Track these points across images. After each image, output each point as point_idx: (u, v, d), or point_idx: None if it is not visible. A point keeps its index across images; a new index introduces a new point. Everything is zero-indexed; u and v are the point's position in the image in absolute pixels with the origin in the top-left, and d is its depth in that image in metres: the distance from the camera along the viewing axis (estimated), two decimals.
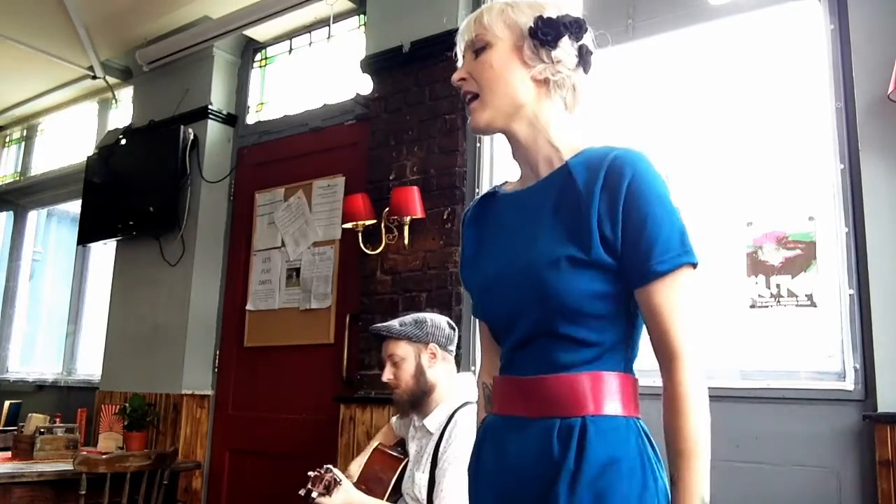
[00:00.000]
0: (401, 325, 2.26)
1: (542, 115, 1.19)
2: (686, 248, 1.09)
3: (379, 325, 2.32)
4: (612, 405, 1.10)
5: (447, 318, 2.36)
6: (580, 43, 1.20)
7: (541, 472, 1.09)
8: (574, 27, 1.18)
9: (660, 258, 1.07)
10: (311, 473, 2.07)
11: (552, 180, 1.17)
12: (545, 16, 1.17)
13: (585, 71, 1.22)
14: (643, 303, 1.10)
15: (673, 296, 1.08)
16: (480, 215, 1.31)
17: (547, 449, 1.09)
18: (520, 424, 1.13)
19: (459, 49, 1.26)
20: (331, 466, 2.10)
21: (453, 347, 2.31)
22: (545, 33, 1.16)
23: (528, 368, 1.14)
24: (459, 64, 1.26)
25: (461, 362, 2.99)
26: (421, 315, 2.31)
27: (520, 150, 1.23)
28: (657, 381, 1.10)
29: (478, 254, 1.28)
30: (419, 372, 2.21)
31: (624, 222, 1.08)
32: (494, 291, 1.20)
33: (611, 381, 1.11)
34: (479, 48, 1.20)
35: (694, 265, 1.10)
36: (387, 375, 2.25)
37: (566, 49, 1.18)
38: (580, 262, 1.09)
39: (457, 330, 2.36)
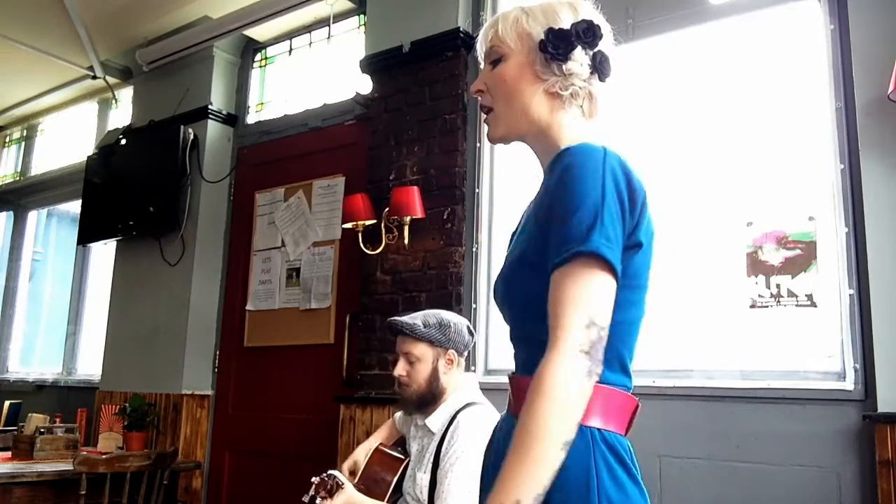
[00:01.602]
0: (425, 327, 2.18)
1: (556, 126, 1.18)
2: (589, 237, 0.99)
3: (401, 319, 2.22)
4: None
5: (467, 323, 2.30)
6: (595, 50, 1.17)
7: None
8: (588, 35, 1.15)
9: (560, 249, 1.01)
10: (314, 480, 2.07)
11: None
12: (557, 27, 1.15)
13: (602, 77, 1.18)
14: None
15: (563, 286, 0.99)
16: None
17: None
18: (508, 422, 1.14)
19: (479, 56, 1.26)
20: (334, 473, 2.10)
21: (468, 352, 2.29)
22: (555, 47, 1.14)
23: (516, 367, 1.18)
24: (481, 68, 1.27)
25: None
26: (445, 317, 2.24)
27: (538, 159, 1.23)
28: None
29: None
30: (434, 376, 2.17)
31: (550, 217, 1.06)
32: (496, 292, 1.21)
33: None
34: (494, 59, 1.20)
35: (595, 257, 0.99)
36: (399, 371, 2.19)
37: (579, 60, 1.16)
38: (530, 262, 1.09)
39: (474, 333, 2.31)
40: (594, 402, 1.00)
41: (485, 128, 3.11)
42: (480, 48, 1.25)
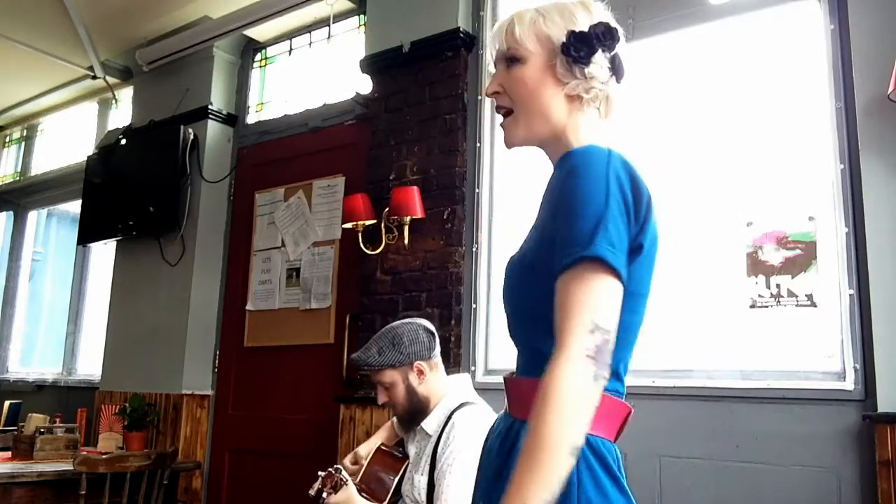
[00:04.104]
0: (379, 354, 2.19)
1: (573, 128, 1.17)
2: (593, 241, 0.98)
3: (357, 356, 2.23)
4: None
5: (422, 324, 2.28)
6: (613, 53, 1.17)
7: (492, 472, 1.11)
8: (607, 38, 1.15)
9: (564, 252, 1.00)
10: (320, 473, 2.07)
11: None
12: (577, 30, 1.14)
13: (618, 79, 1.19)
14: None
15: (569, 289, 0.98)
16: None
17: (502, 446, 1.10)
18: (505, 423, 1.15)
19: (490, 56, 1.24)
20: (340, 467, 2.10)
21: (437, 351, 2.26)
22: (578, 50, 1.13)
23: (516, 368, 1.18)
24: (491, 70, 1.24)
25: (461, 362, 3.00)
26: (396, 332, 2.22)
27: (553, 160, 1.21)
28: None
29: None
30: (411, 393, 2.18)
31: (554, 220, 1.05)
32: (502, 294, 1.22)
33: None
34: (511, 60, 1.18)
35: (600, 261, 0.98)
36: (381, 399, 2.23)
37: (599, 63, 1.15)
38: (530, 265, 1.10)
39: (434, 332, 2.29)
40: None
41: (484, 128, 3.15)
42: (492, 48, 1.22)
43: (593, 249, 0.98)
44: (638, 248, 1.05)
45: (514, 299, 1.15)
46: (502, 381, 1.20)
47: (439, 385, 2.22)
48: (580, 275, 0.98)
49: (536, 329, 1.07)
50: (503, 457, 1.09)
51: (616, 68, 1.17)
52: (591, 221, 1.00)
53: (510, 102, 1.19)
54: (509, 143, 1.21)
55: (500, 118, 1.24)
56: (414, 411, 2.20)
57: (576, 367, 0.93)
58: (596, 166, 1.04)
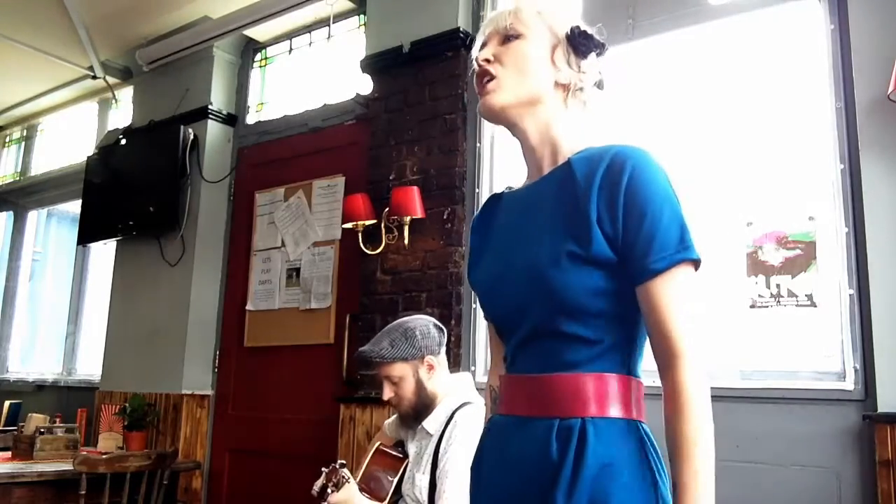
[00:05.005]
0: (392, 346, 2.17)
1: (553, 117, 1.20)
2: (685, 244, 1.07)
3: (368, 349, 2.21)
4: (614, 407, 1.07)
5: (431, 320, 2.29)
6: (601, 61, 1.25)
7: (540, 472, 1.07)
8: (601, 48, 1.23)
9: (657, 255, 1.05)
10: (324, 469, 2.07)
11: (554, 176, 1.17)
12: (581, 27, 1.22)
13: (600, 87, 1.27)
14: (642, 301, 1.08)
15: (670, 294, 1.05)
16: (485, 219, 1.31)
17: (546, 449, 1.07)
18: (521, 423, 1.12)
19: (483, 35, 1.26)
20: (344, 462, 2.10)
21: (444, 348, 2.27)
22: (581, 42, 1.20)
23: (530, 367, 1.14)
24: (477, 48, 1.26)
25: (461, 362, 3.00)
26: (408, 325, 2.22)
27: (527, 149, 1.23)
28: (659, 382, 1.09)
29: (482, 255, 1.28)
30: (420, 388, 2.17)
31: (624, 218, 1.07)
32: (497, 290, 1.20)
33: (612, 383, 1.09)
34: (510, 36, 1.21)
35: (693, 262, 1.08)
36: (387, 395, 2.20)
37: (593, 64, 1.23)
38: (580, 258, 1.08)
39: (443, 328, 2.30)
40: (637, 397, 1.11)
41: (484, 128, 3.15)
42: (490, 26, 1.25)
43: (689, 253, 1.07)
44: None
45: (559, 292, 1.09)
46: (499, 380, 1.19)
47: (445, 382, 2.22)
48: (679, 279, 1.07)
49: (571, 320, 1.09)
50: (560, 460, 1.05)
51: (600, 76, 1.26)
52: (677, 222, 1.08)
53: (498, 70, 1.20)
54: (489, 105, 1.20)
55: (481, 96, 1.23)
56: (420, 407, 2.18)
57: (701, 374, 1.04)
58: (657, 166, 1.11)
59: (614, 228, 1.07)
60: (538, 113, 1.20)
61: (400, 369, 2.18)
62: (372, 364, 2.23)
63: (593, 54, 1.22)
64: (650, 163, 1.10)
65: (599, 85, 1.26)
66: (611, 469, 1.03)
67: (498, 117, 1.22)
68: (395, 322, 2.30)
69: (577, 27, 1.21)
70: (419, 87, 3.28)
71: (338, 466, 2.07)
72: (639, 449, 1.07)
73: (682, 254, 1.06)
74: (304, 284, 3.69)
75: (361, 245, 3.22)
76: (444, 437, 2.09)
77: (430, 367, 2.19)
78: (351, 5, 3.82)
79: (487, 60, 1.21)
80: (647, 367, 1.16)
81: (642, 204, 1.06)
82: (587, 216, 1.08)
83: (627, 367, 1.12)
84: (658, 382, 1.09)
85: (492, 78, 1.20)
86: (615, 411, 1.08)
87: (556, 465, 1.05)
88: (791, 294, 2.39)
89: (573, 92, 1.21)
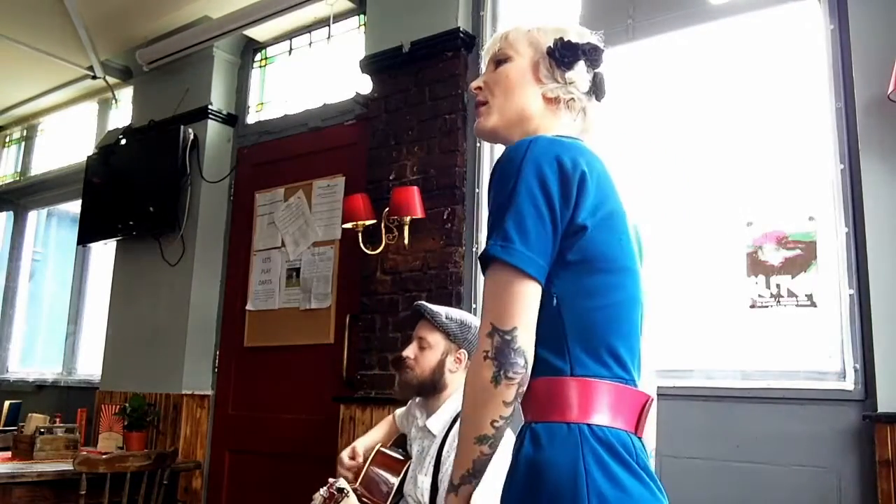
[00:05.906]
0: (447, 318, 2.21)
1: (544, 128, 1.22)
2: (494, 240, 1.05)
3: (427, 304, 2.26)
4: (549, 412, 1.06)
5: None
6: (596, 70, 1.26)
7: None
8: (592, 54, 1.24)
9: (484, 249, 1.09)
10: (322, 492, 2.06)
11: None
12: (566, 39, 1.23)
13: (598, 98, 1.27)
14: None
15: (485, 285, 1.08)
16: None
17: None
18: None
19: (483, 63, 1.32)
20: (340, 481, 2.09)
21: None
22: (562, 55, 1.22)
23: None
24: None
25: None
26: (468, 319, 2.26)
27: None
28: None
29: None
30: (439, 368, 2.18)
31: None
32: None
33: (548, 388, 1.07)
34: (499, 60, 1.26)
35: (491, 259, 1.05)
36: (408, 352, 2.21)
37: (580, 73, 1.23)
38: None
39: None
40: (577, 398, 1.04)
41: None
42: (486, 54, 1.30)
43: (487, 250, 1.06)
44: (580, 228, 1.06)
45: None
46: None
47: (459, 382, 2.22)
48: (487, 277, 1.07)
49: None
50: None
51: (597, 86, 1.26)
52: (491, 220, 1.08)
53: (488, 97, 1.26)
54: (480, 128, 1.27)
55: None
56: (428, 385, 2.18)
57: (478, 370, 1.04)
58: (510, 160, 1.09)
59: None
60: (527, 128, 1.22)
61: (436, 339, 2.19)
62: (420, 317, 2.25)
63: (581, 63, 1.23)
64: (507, 156, 1.12)
65: (598, 94, 1.27)
66: (538, 472, 1.03)
67: (490, 138, 1.29)
68: (463, 311, 2.35)
69: (560, 39, 1.23)
70: (419, 87, 3.28)
71: (336, 492, 2.05)
72: (575, 453, 1.03)
73: (488, 250, 1.08)
74: (304, 284, 3.69)
75: (361, 245, 3.22)
76: (447, 438, 2.09)
77: (458, 360, 2.20)
78: (351, 5, 3.82)
79: (479, 88, 1.28)
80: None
81: (490, 198, 1.13)
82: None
83: (568, 369, 1.07)
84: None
85: (484, 103, 1.26)
86: (551, 415, 1.06)
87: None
88: (791, 294, 2.39)
89: (565, 103, 1.23)
